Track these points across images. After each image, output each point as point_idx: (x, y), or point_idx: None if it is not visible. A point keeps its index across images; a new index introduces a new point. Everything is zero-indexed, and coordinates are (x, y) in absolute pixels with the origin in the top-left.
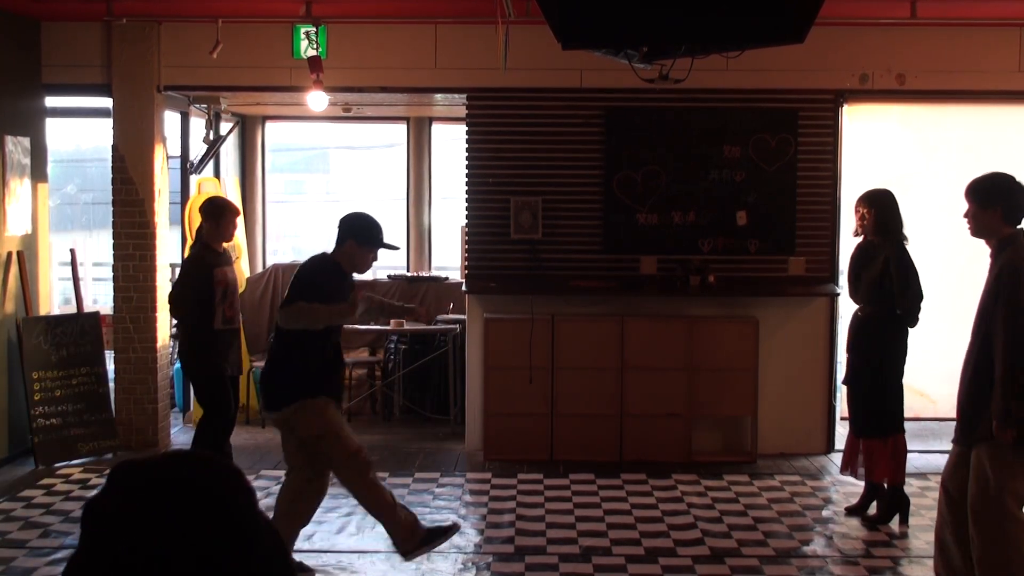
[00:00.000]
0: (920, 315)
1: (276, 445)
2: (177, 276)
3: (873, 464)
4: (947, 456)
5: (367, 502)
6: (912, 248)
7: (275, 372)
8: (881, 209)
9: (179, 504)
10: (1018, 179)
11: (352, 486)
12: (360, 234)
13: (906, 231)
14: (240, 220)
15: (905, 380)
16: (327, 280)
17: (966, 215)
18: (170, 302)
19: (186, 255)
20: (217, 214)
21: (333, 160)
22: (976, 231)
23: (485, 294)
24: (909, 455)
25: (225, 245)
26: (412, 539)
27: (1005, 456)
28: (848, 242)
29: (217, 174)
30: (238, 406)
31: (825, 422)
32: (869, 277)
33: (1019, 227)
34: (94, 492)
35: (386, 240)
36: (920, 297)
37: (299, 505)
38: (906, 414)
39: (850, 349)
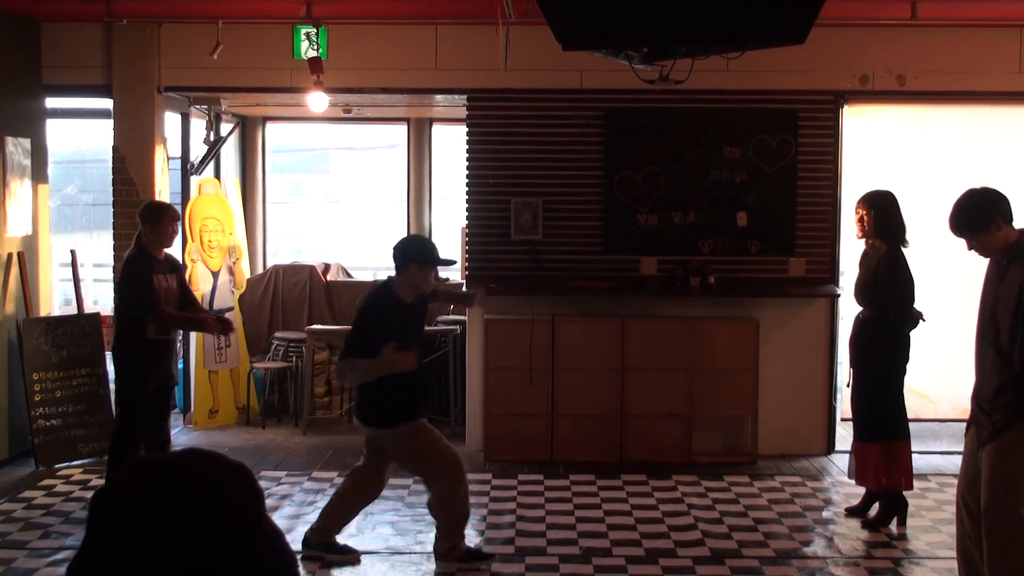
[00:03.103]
0: (911, 318)
1: (276, 446)
2: (119, 283)
3: (886, 469)
4: (947, 457)
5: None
6: (911, 250)
7: (366, 393)
8: (880, 211)
9: (185, 504)
10: (984, 187)
11: (442, 494)
12: (419, 256)
13: (908, 234)
14: (240, 220)
15: (906, 382)
16: (381, 317)
17: (971, 248)
18: (125, 310)
19: (122, 260)
20: (155, 217)
21: (333, 161)
22: (989, 253)
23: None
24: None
25: (215, 246)
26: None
27: (1011, 453)
28: (848, 243)
29: (217, 175)
30: (167, 417)
31: (825, 423)
32: (863, 279)
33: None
34: (103, 484)
35: (442, 256)
36: (908, 301)
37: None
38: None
39: (851, 353)
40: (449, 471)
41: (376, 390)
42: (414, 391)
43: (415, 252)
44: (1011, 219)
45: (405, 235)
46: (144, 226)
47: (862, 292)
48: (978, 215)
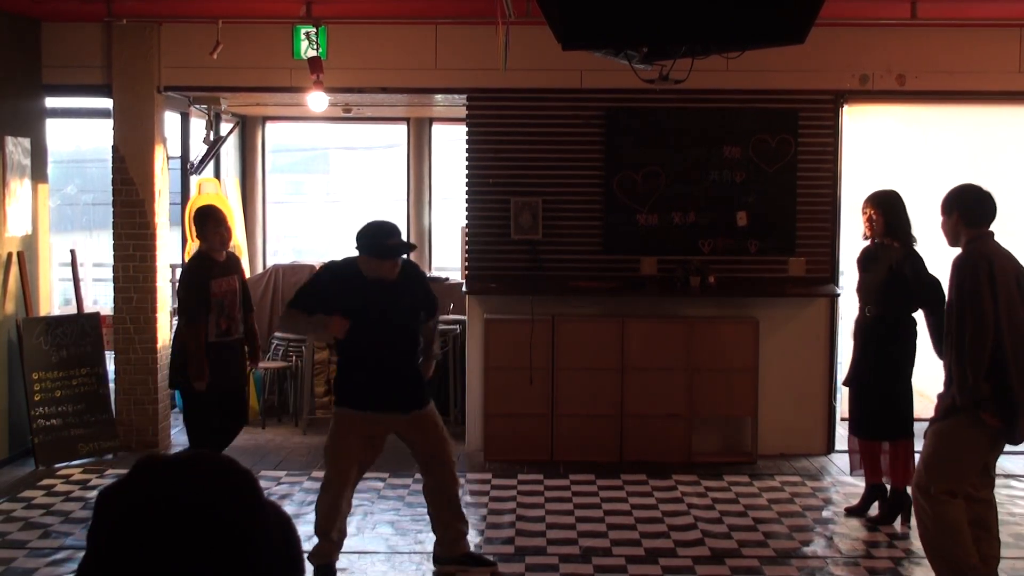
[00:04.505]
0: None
1: (276, 446)
2: (178, 286)
3: (897, 467)
4: None
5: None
6: (917, 247)
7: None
8: (889, 211)
9: (185, 504)
10: (982, 188)
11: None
12: (362, 245)
13: (913, 232)
14: (240, 220)
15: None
16: (330, 280)
17: (942, 227)
18: (179, 312)
19: (185, 263)
20: (198, 222)
21: (333, 161)
22: (949, 240)
23: (485, 295)
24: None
25: (232, 250)
26: None
27: (943, 440)
28: (847, 243)
29: (217, 175)
30: (242, 419)
31: (825, 422)
32: (876, 279)
33: (986, 229)
34: (108, 483)
35: (389, 244)
36: (943, 295)
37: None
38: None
39: (858, 351)
40: (327, 480)
41: (347, 365)
42: (374, 381)
43: (361, 243)
44: (972, 224)
45: (367, 222)
46: (195, 231)
47: (877, 292)
48: (947, 201)
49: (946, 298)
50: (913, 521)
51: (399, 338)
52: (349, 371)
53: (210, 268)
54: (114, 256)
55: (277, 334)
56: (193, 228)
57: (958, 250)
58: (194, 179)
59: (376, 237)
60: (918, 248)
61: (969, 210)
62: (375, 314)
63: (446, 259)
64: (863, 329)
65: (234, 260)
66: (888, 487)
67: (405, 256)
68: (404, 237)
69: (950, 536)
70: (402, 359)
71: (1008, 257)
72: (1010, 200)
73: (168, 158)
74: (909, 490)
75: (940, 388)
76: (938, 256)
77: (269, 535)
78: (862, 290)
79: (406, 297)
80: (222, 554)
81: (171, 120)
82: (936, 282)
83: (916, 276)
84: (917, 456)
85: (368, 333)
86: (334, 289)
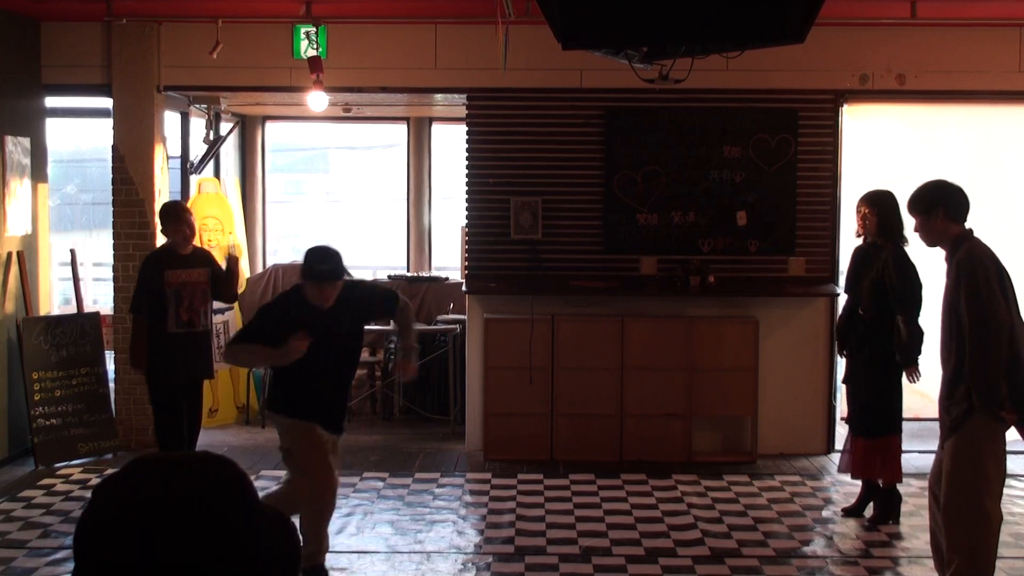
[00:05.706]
0: (919, 318)
1: (276, 446)
2: None
3: (884, 464)
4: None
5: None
6: (910, 249)
7: (276, 378)
8: (883, 210)
9: (184, 504)
10: (951, 181)
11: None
12: (302, 270)
13: (906, 232)
14: (240, 220)
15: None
16: (281, 310)
17: (916, 229)
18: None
19: None
20: (162, 220)
21: (333, 160)
22: (929, 241)
23: (485, 294)
24: (910, 455)
25: (214, 245)
26: None
27: (969, 447)
28: (847, 243)
29: (217, 174)
30: (197, 411)
31: (825, 422)
32: (868, 278)
33: (967, 226)
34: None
35: (319, 269)
36: (918, 302)
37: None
38: (906, 414)
39: (853, 349)
40: (315, 499)
41: (284, 377)
42: (319, 395)
43: (303, 268)
44: (957, 218)
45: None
46: (160, 226)
47: (868, 291)
48: (923, 198)
49: (919, 300)
50: (914, 520)
51: (337, 360)
52: (282, 384)
53: (165, 260)
54: (114, 256)
55: None
56: (159, 224)
57: (949, 251)
58: (194, 179)
59: (309, 262)
60: (909, 250)
61: (954, 205)
62: (315, 336)
63: (446, 259)
64: (855, 328)
65: (202, 254)
66: (880, 485)
67: (347, 279)
68: (403, 237)
69: (985, 549)
70: (335, 382)
71: (994, 254)
72: (1010, 200)
73: (168, 158)
74: (899, 487)
75: (932, 387)
76: (930, 258)
77: (264, 535)
78: (853, 289)
79: (344, 321)
80: (216, 553)
81: (171, 120)
82: (915, 290)
83: (901, 278)
84: (909, 455)
85: (307, 354)
86: (280, 320)
